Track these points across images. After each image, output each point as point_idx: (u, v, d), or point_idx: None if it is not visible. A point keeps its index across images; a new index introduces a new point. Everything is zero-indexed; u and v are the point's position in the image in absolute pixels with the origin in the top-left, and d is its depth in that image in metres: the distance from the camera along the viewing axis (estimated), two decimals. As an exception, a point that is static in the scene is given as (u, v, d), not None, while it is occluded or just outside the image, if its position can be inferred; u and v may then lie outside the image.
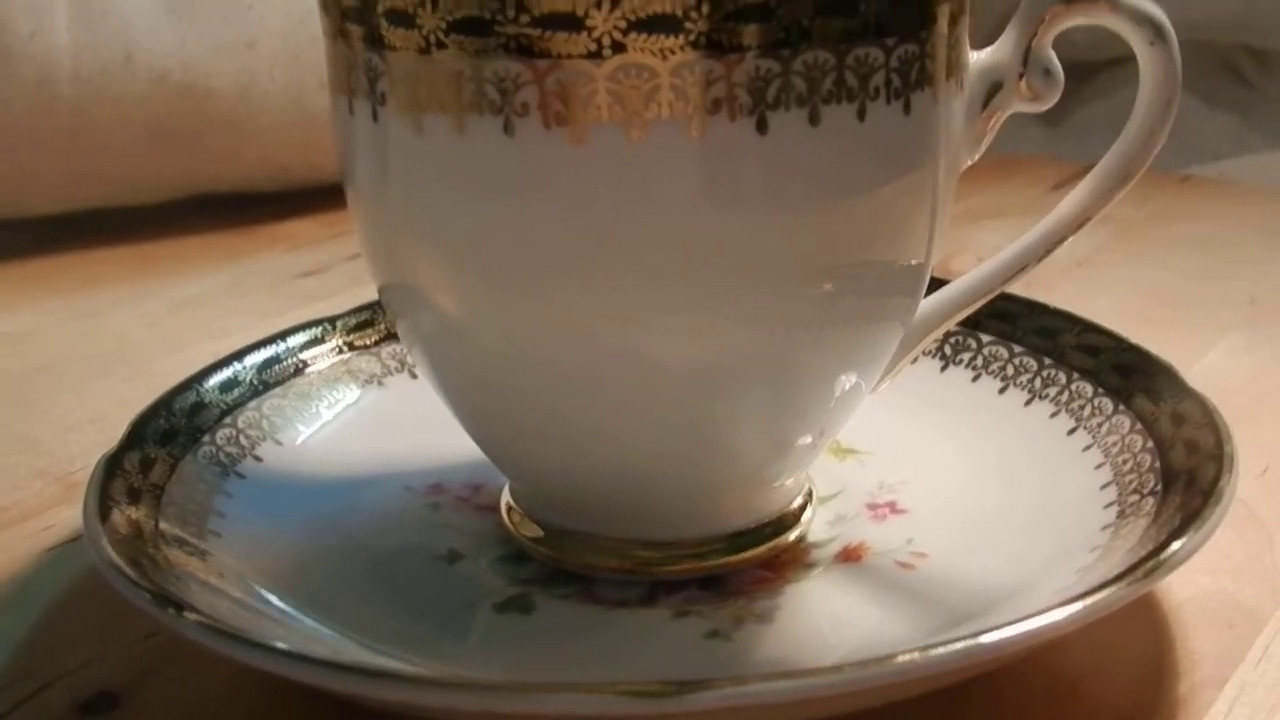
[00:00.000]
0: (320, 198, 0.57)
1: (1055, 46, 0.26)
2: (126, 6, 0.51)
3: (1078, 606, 0.21)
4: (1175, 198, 0.58)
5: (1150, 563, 0.22)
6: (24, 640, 0.28)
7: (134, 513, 0.26)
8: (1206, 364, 0.40)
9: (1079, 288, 0.46)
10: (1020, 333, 0.33)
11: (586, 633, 0.26)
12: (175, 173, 0.56)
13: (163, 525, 0.27)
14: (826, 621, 0.26)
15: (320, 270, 0.52)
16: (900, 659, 0.20)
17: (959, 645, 0.20)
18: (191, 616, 0.22)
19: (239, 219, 0.57)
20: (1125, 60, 0.67)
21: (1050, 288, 0.45)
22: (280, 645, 0.21)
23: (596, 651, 0.25)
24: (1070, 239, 0.28)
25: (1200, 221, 0.55)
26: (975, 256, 0.48)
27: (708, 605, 0.26)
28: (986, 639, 0.21)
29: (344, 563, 0.28)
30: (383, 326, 0.35)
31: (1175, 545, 0.23)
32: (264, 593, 0.26)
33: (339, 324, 0.35)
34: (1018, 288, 0.30)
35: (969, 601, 0.25)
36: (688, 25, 0.21)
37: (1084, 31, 0.26)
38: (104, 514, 0.26)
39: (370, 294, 0.33)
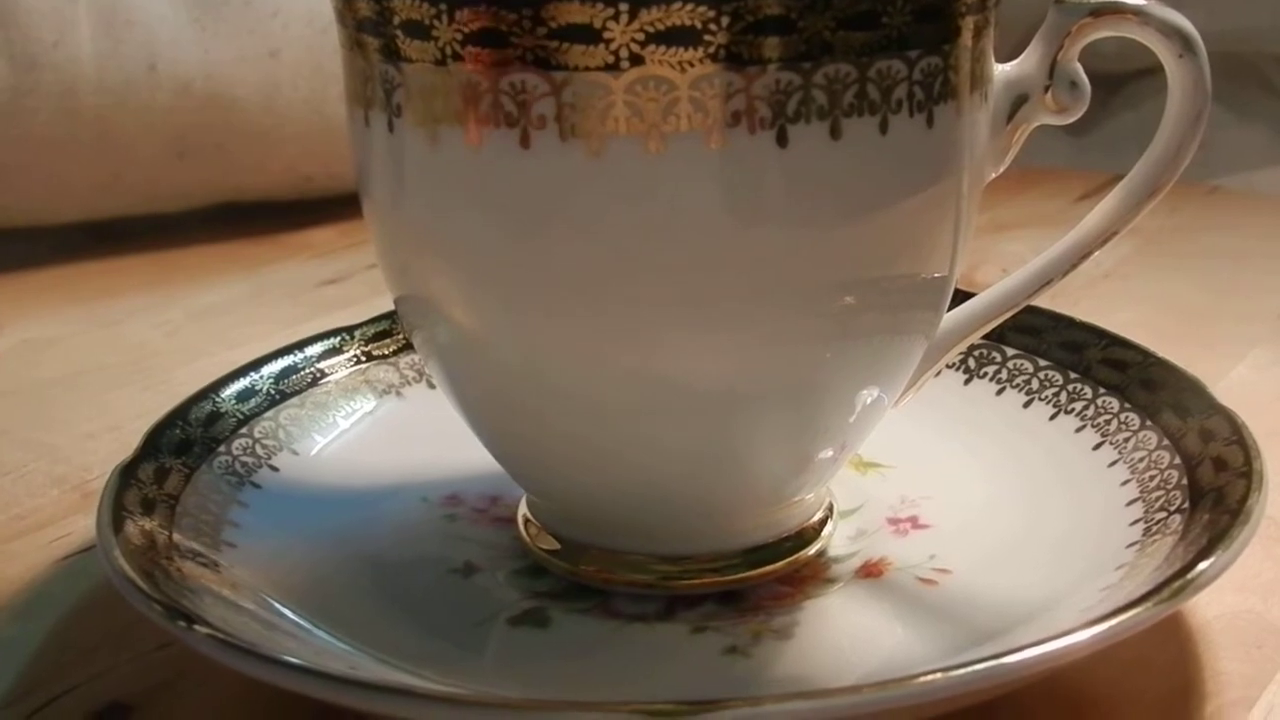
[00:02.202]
0: (341, 207, 0.57)
1: (1082, 57, 0.26)
2: (150, 16, 0.51)
3: (1103, 627, 0.21)
4: (1203, 209, 0.57)
5: (1177, 582, 0.22)
6: (37, 650, 0.28)
7: (147, 524, 0.26)
8: (1234, 378, 0.39)
9: (1104, 300, 0.46)
10: (1046, 346, 0.33)
11: (603, 648, 0.26)
12: (198, 183, 0.56)
13: (176, 537, 0.27)
14: (846, 638, 0.26)
15: (341, 279, 0.52)
16: (921, 679, 0.20)
17: (982, 665, 0.20)
18: (203, 630, 0.22)
19: (260, 228, 0.57)
20: (1153, 71, 0.67)
21: (1075, 300, 0.45)
22: (293, 659, 0.21)
23: (613, 667, 0.25)
24: (1096, 252, 0.28)
25: (1228, 234, 0.54)
26: (1000, 268, 0.48)
27: (726, 621, 0.26)
28: (1010, 659, 0.20)
29: (359, 575, 0.28)
30: (401, 336, 0.35)
31: (1203, 565, 0.23)
32: (277, 605, 0.26)
33: (357, 334, 0.35)
34: (1042, 301, 0.29)
35: (992, 619, 0.25)
36: (707, 38, 0.21)
37: (1111, 42, 0.26)
38: (117, 525, 0.25)
39: (391, 303, 0.33)
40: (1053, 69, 0.26)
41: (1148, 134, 0.27)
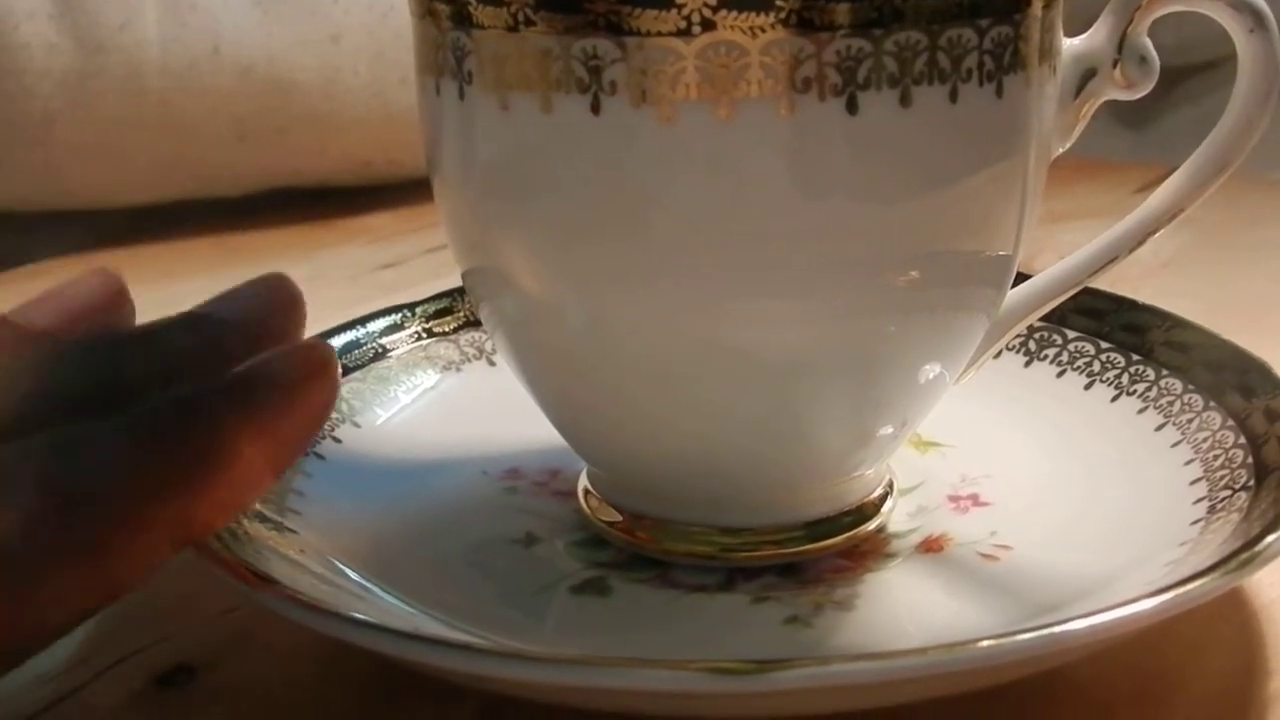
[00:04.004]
0: (400, 192, 0.57)
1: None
2: (214, 0, 0.52)
3: (1169, 596, 0.21)
4: (1264, 201, 0.57)
5: (1243, 555, 0.22)
6: (103, 614, 0.28)
7: (216, 488, 0.27)
8: (1296, 367, 0.39)
9: (1163, 289, 0.45)
10: (1108, 329, 0.33)
11: (664, 616, 0.26)
12: (258, 166, 0.56)
13: (244, 501, 0.27)
14: (906, 610, 0.26)
15: (399, 263, 0.52)
16: (987, 643, 0.20)
17: (1049, 631, 0.20)
18: (272, 588, 0.22)
19: (319, 212, 0.58)
20: (1213, 65, 0.66)
21: (1135, 289, 0.44)
22: (362, 617, 0.22)
23: (675, 634, 0.25)
24: (1155, 237, 0.28)
25: (1288, 226, 0.54)
26: (1057, 256, 0.48)
27: (786, 592, 0.26)
28: (1077, 625, 0.20)
29: (421, 543, 0.28)
30: (461, 314, 0.36)
31: (1270, 538, 0.22)
32: (343, 568, 0.26)
33: (418, 311, 0.35)
34: (1101, 285, 0.29)
35: (1054, 593, 0.25)
36: (779, 3, 0.21)
37: (1171, 35, 0.26)
38: (187, 488, 0.26)
39: (448, 285, 0.33)
40: (1122, 43, 0.25)
41: (1206, 128, 0.26)
